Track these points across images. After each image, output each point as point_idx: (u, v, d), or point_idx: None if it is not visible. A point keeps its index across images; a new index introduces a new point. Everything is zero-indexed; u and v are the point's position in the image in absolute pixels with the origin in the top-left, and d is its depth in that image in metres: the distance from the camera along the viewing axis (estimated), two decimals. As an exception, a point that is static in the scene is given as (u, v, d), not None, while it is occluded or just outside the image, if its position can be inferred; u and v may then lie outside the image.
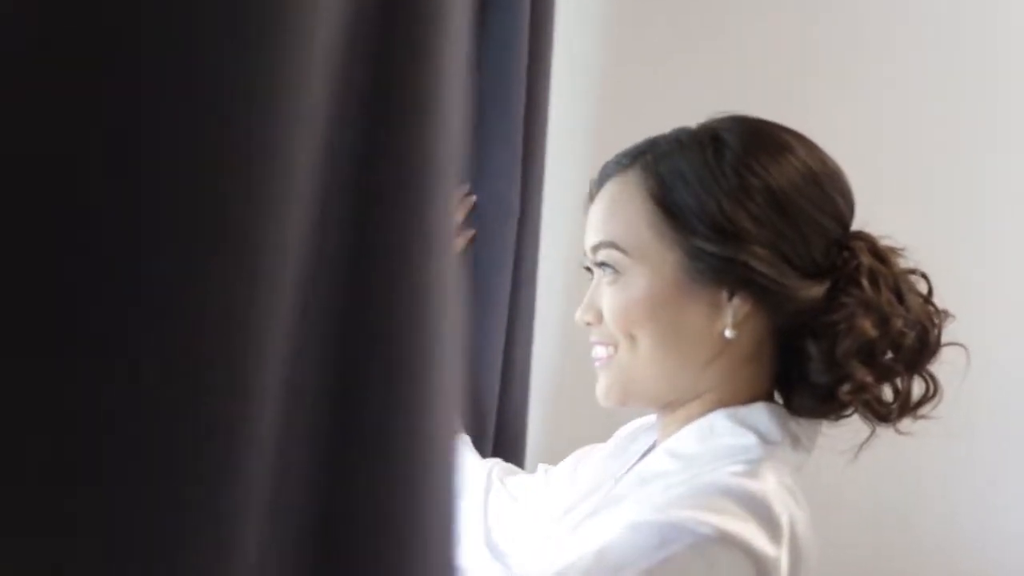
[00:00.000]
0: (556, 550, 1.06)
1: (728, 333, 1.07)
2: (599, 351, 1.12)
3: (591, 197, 1.15)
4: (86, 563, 0.44)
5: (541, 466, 1.34)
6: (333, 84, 0.51)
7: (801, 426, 1.09)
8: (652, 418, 1.19)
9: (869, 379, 1.05)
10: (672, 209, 1.07)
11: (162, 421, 0.45)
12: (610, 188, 1.13)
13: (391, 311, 0.54)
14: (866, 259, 1.07)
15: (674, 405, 1.11)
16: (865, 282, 1.06)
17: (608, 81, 2.02)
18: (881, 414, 1.08)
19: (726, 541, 0.93)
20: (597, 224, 1.12)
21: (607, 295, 1.10)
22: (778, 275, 1.05)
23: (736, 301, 1.07)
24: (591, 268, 1.14)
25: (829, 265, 1.07)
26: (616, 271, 1.09)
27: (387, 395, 0.54)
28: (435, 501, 0.56)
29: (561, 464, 1.29)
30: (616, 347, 1.10)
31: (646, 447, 1.18)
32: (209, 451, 0.46)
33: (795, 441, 1.07)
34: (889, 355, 1.07)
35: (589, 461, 1.24)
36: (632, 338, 1.08)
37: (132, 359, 0.44)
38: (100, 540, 0.44)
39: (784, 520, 0.97)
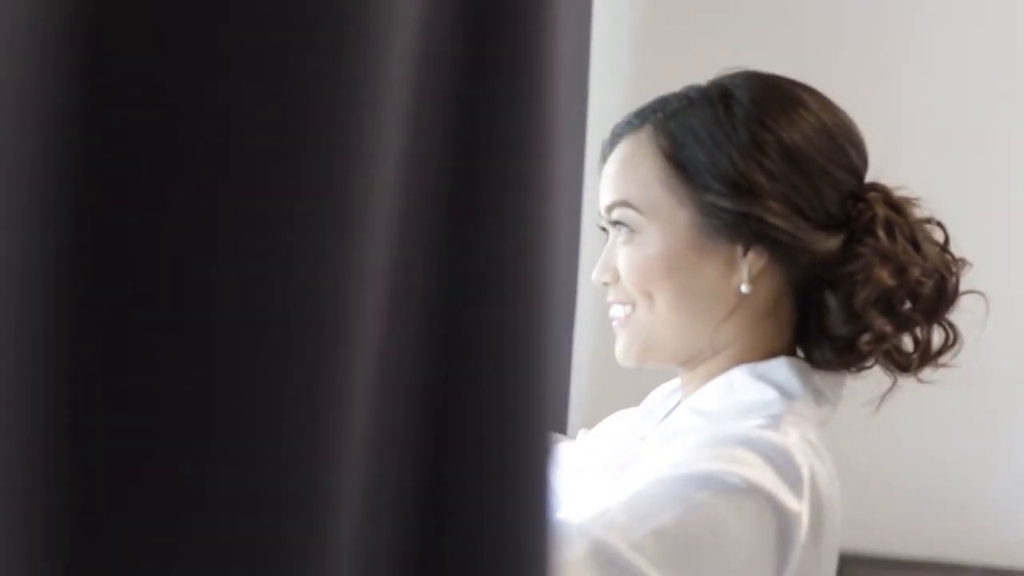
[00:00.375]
0: (585, 507, 1.07)
1: (744, 288, 1.07)
2: (617, 311, 1.12)
3: (603, 158, 1.15)
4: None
5: (581, 431, 1.35)
6: (419, 87, 0.51)
7: (824, 380, 1.09)
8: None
9: (888, 329, 1.05)
10: (684, 166, 1.07)
11: (249, 425, 0.45)
12: (622, 148, 1.13)
13: (493, 312, 0.54)
14: (881, 210, 1.07)
15: (694, 362, 1.12)
16: (881, 232, 1.06)
17: (647, 34, 2.02)
18: (902, 364, 1.09)
19: (753, 492, 0.95)
20: (610, 184, 1.13)
21: (622, 254, 1.10)
22: (793, 228, 1.05)
23: (751, 256, 1.07)
24: (606, 228, 1.14)
25: (844, 217, 1.07)
26: (631, 230, 1.10)
27: (493, 402, 0.54)
28: (535, 506, 0.56)
29: (596, 427, 1.30)
30: (633, 306, 1.10)
31: (672, 406, 1.18)
32: (297, 456, 0.46)
33: (818, 395, 1.08)
34: (907, 305, 1.07)
35: (621, 423, 1.25)
36: (649, 296, 1.09)
37: (222, 366, 0.45)
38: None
39: (805, 472, 0.98)
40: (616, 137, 1.14)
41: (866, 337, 1.05)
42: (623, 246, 1.10)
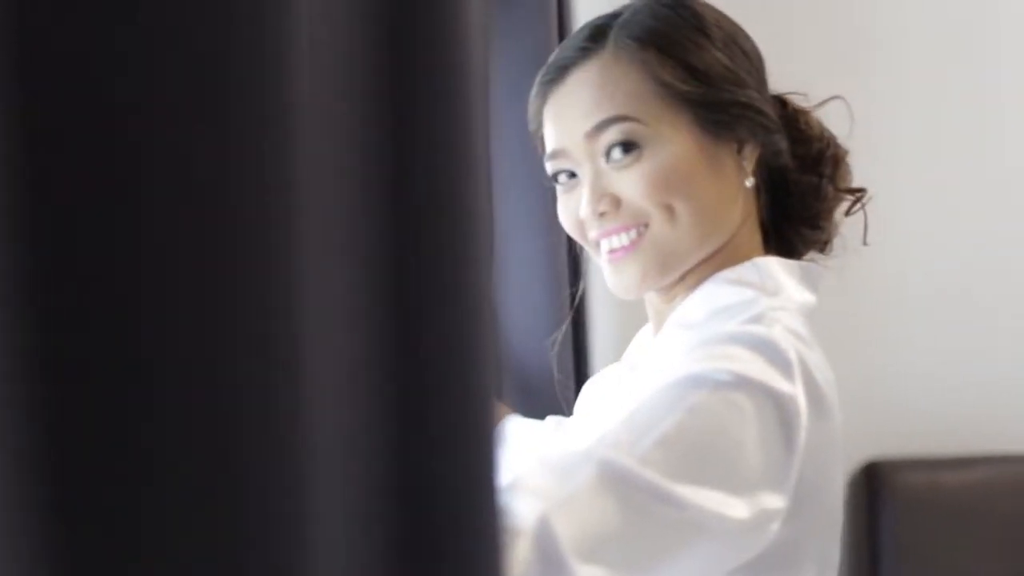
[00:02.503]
0: (585, 438, 1.02)
1: (748, 182, 1.10)
2: (619, 239, 1.08)
3: (545, 95, 1.12)
4: None
5: (552, 418, 1.36)
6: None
7: (801, 271, 1.12)
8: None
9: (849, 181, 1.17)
10: (670, 69, 1.07)
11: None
12: (587, 73, 1.09)
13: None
14: (791, 101, 1.17)
15: (674, 282, 1.12)
16: (808, 117, 1.16)
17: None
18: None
19: (745, 384, 0.95)
20: (590, 108, 1.08)
21: (633, 174, 1.06)
22: (773, 114, 1.11)
23: (747, 149, 1.10)
24: (561, 174, 1.12)
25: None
26: (635, 145, 1.06)
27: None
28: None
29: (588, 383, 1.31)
30: (642, 227, 1.07)
31: (653, 334, 1.18)
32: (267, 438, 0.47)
33: (797, 288, 1.10)
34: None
35: (608, 373, 1.27)
36: (668, 209, 1.06)
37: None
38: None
39: (792, 356, 0.98)
40: (565, 69, 1.10)
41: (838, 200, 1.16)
42: (630, 167, 1.06)
